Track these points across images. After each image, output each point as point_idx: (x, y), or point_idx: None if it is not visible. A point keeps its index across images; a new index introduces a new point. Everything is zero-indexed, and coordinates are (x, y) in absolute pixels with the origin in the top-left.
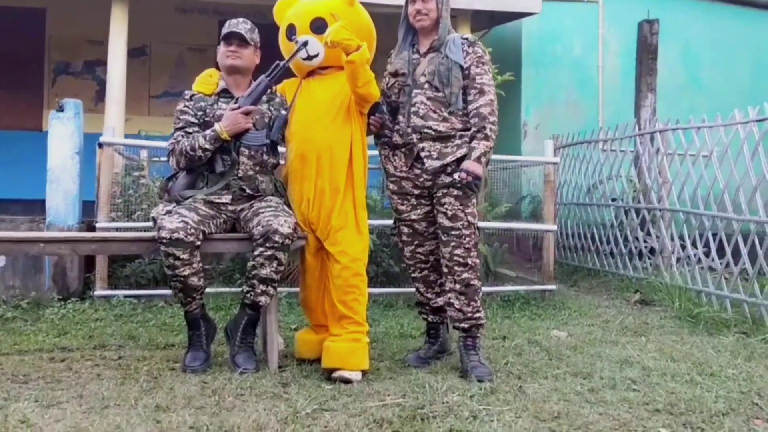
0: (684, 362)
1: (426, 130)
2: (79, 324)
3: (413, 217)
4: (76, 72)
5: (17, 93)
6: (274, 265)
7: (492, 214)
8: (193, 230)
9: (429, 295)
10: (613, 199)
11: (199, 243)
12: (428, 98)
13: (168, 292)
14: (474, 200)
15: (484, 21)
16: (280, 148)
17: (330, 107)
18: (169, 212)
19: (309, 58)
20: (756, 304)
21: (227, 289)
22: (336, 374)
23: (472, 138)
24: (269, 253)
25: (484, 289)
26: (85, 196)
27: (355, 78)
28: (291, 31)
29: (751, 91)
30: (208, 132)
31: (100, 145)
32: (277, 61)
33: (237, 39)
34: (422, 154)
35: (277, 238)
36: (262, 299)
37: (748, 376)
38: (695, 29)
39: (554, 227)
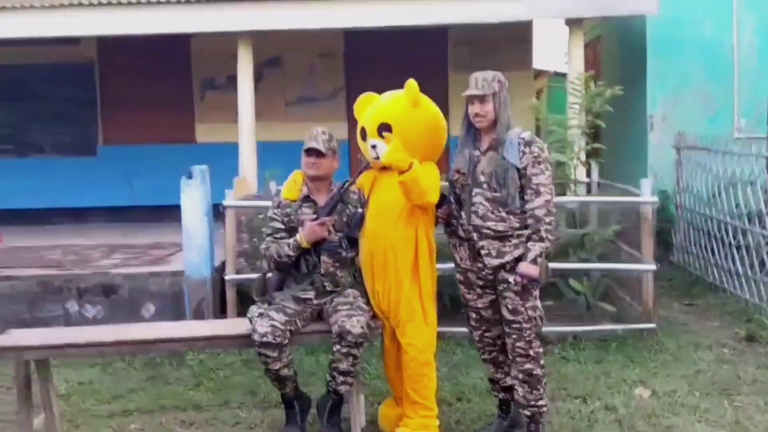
0: None
1: (485, 230)
2: (212, 371)
3: (479, 305)
4: (221, 86)
5: (170, 109)
6: (350, 360)
7: (599, 236)
8: (280, 332)
9: (498, 375)
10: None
11: (286, 342)
12: (486, 199)
13: None
14: (536, 293)
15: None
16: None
17: (395, 206)
18: (261, 314)
19: (378, 158)
20: None
21: None
22: None
23: (528, 238)
24: (345, 350)
25: (580, 328)
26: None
27: (409, 194)
28: (363, 133)
29: None
30: (291, 240)
31: (224, 208)
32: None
33: (315, 153)
34: (482, 252)
35: (350, 338)
36: (342, 388)
37: None
38: None
39: (653, 267)
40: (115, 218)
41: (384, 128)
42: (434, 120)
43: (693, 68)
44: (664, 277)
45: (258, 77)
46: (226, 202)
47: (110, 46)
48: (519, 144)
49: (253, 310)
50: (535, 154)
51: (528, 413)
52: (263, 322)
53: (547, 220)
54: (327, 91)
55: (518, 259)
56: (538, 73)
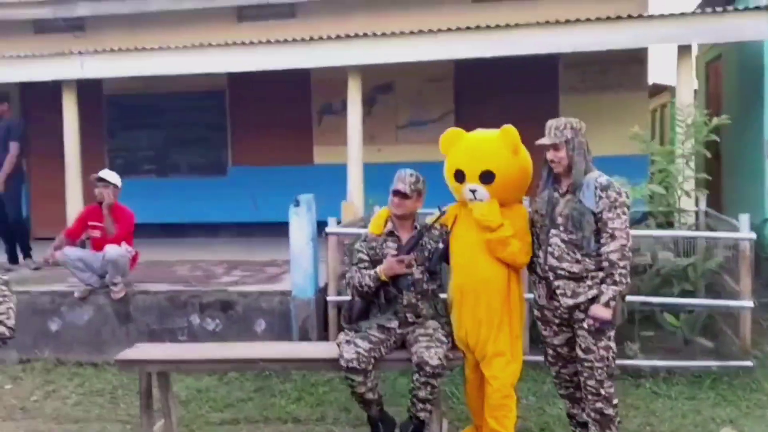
0: None
1: (560, 271)
2: (312, 387)
3: (555, 342)
4: (337, 110)
5: (291, 133)
6: (429, 388)
7: (702, 268)
8: (365, 359)
9: (574, 411)
10: None
11: (370, 368)
12: (563, 240)
13: None
14: (610, 334)
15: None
16: None
17: (484, 242)
18: (348, 341)
19: (474, 200)
20: None
21: None
22: None
23: (602, 281)
24: (423, 380)
25: (673, 363)
26: None
27: (494, 252)
28: (460, 176)
29: None
30: (372, 272)
31: (327, 234)
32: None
33: (400, 194)
34: (558, 292)
35: (427, 369)
36: (422, 414)
37: None
38: None
39: (750, 303)
40: (241, 233)
41: (487, 176)
42: (528, 165)
43: None
44: None
45: (371, 102)
46: (328, 229)
47: (239, 76)
48: (596, 188)
49: (341, 337)
50: (612, 199)
51: None
52: (349, 348)
53: (622, 264)
54: (436, 115)
55: (592, 300)
56: (662, 89)
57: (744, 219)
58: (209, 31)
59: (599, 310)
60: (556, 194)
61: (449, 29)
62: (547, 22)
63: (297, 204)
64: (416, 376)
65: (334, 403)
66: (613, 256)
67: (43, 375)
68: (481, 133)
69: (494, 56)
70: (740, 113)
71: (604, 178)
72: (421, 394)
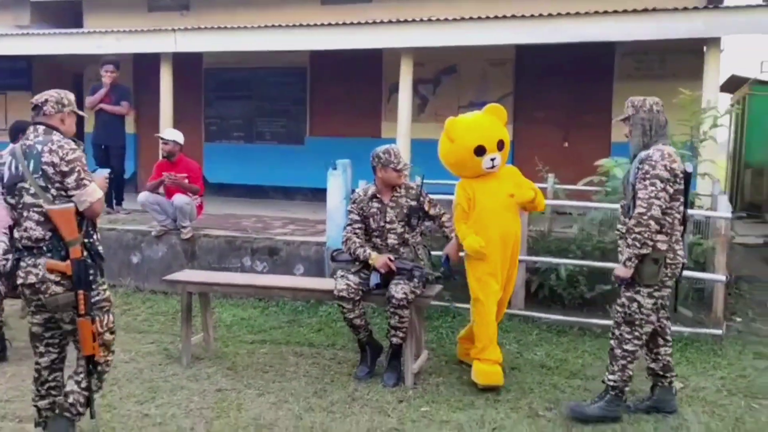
0: None
1: (617, 232)
2: (333, 322)
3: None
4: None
5: (363, 109)
6: (397, 318)
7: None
8: (353, 290)
9: (647, 356)
10: None
11: (358, 298)
12: (621, 206)
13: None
14: (639, 289)
15: None
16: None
17: (510, 204)
18: (341, 276)
19: (492, 167)
20: None
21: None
22: None
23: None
24: (392, 310)
25: None
26: None
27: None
28: (481, 150)
29: None
30: (367, 253)
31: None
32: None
33: (398, 171)
34: (618, 250)
35: (393, 301)
36: (394, 339)
37: None
38: None
39: (723, 278)
40: (315, 197)
41: (501, 144)
42: None
43: None
44: None
45: (436, 83)
46: (356, 189)
47: (320, 55)
48: (638, 161)
49: (338, 274)
50: (644, 171)
51: (603, 381)
52: (342, 281)
53: (637, 230)
54: (496, 96)
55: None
56: (741, 81)
57: (722, 199)
58: (295, 13)
59: (617, 269)
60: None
61: (504, 16)
62: (606, 12)
63: (334, 167)
64: (388, 306)
65: (347, 335)
66: (631, 222)
67: (124, 298)
68: (475, 115)
69: (554, 42)
70: None
71: (646, 153)
72: (392, 322)
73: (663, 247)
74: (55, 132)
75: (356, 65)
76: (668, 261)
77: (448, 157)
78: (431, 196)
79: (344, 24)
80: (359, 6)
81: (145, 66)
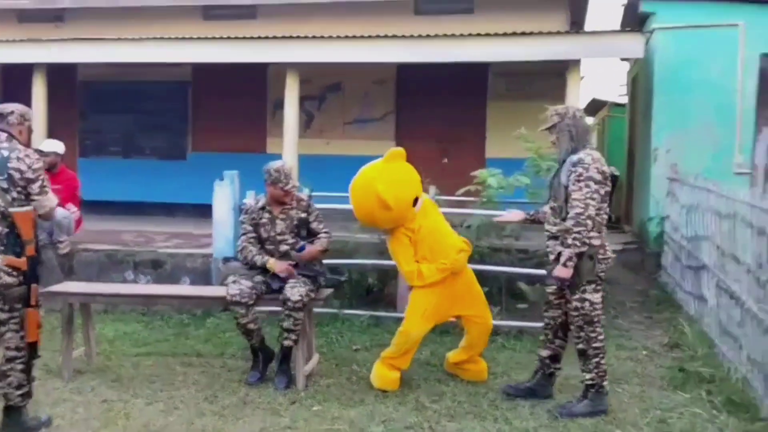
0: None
1: (546, 232)
2: (222, 333)
3: (549, 291)
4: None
5: (247, 124)
6: (291, 320)
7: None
8: (246, 294)
9: (540, 345)
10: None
11: (252, 302)
12: (551, 207)
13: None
14: (584, 287)
15: None
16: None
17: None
18: (234, 281)
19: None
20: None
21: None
22: None
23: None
24: (287, 312)
25: (522, 324)
26: None
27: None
28: (416, 200)
29: None
30: (264, 260)
31: (241, 206)
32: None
33: (283, 190)
34: (548, 250)
35: (289, 303)
36: (286, 342)
37: None
38: None
39: None
40: (198, 213)
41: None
42: None
43: (699, 107)
44: (647, 294)
45: (321, 99)
46: (245, 200)
47: (203, 68)
48: (569, 165)
49: (230, 279)
50: (578, 173)
51: (582, 382)
52: (234, 286)
53: (576, 230)
54: (379, 114)
55: (558, 258)
56: (601, 104)
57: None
58: (177, 27)
59: (557, 270)
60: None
61: (387, 36)
62: (479, 35)
63: (221, 179)
64: (282, 309)
65: (236, 344)
66: (569, 223)
67: None
68: (388, 167)
69: (431, 62)
70: (643, 125)
71: (577, 156)
72: (286, 324)
73: (596, 242)
74: (15, 140)
75: (240, 80)
76: (600, 257)
77: (386, 224)
78: (319, 213)
79: (228, 38)
80: (243, 22)
81: (15, 78)
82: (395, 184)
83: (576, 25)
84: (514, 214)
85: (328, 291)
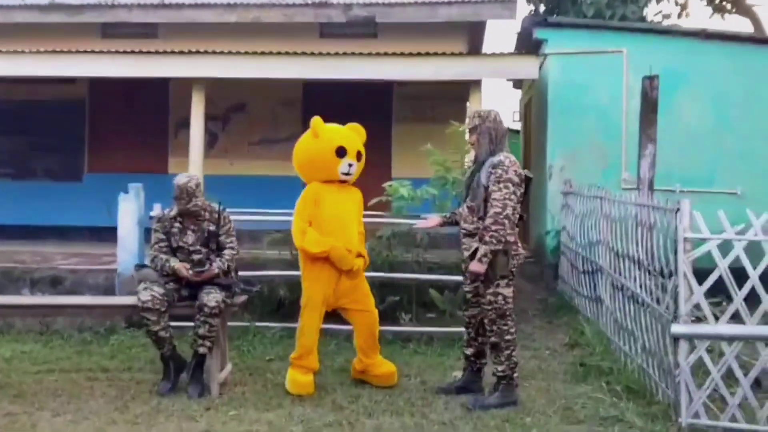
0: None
1: (463, 230)
2: (128, 349)
3: (467, 289)
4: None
5: (148, 144)
6: (207, 327)
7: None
8: (158, 301)
9: (464, 344)
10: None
11: (164, 309)
12: (468, 206)
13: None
14: (498, 282)
15: None
16: None
17: (355, 217)
18: (145, 288)
19: (347, 174)
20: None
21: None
22: None
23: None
24: (202, 319)
25: (432, 329)
26: None
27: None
28: (342, 151)
29: None
30: (173, 266)
31: (151, 218)
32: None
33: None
34: (463, 247)
35: (206, 309)
36: (201, 349)
37: None
38: (722, 72)
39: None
40: (95, 236)
41: (359, 154)
42: None
43: (590, 127)
44: (547, 302)
45: (226, 120)
46: (152, 213)
47: (100, 85)
48: (489, 166)
49: (140, 286)
50: (497, 175)
51: (494, 374)
52: (146, 292)
53: (493, 228)
54: (285, 134)
55: (474, 255)
56: None
57: None
58: (74, 45)
59: (473, 265)
60: (473, 171)
61: (294, 53)
62: (385, 53)
63: (126, 192)
64: (197, 315)
65: (143, 359)
66: (488, 221)
67: None
68: (338, 126)
69: (337, 79)
70: (537, 144)
71: (497, 159)
72: (201, 331)
73: (511, 239)
74: None
75: (141, 98)
76: (513, 253)
77: (308, 152)
78: (231, 227)
79: (128, 52)
80: (144, 41)
81: None
82: (334, 127)
83: (475, 50)
84: (432, 220)
85: (243, 298)
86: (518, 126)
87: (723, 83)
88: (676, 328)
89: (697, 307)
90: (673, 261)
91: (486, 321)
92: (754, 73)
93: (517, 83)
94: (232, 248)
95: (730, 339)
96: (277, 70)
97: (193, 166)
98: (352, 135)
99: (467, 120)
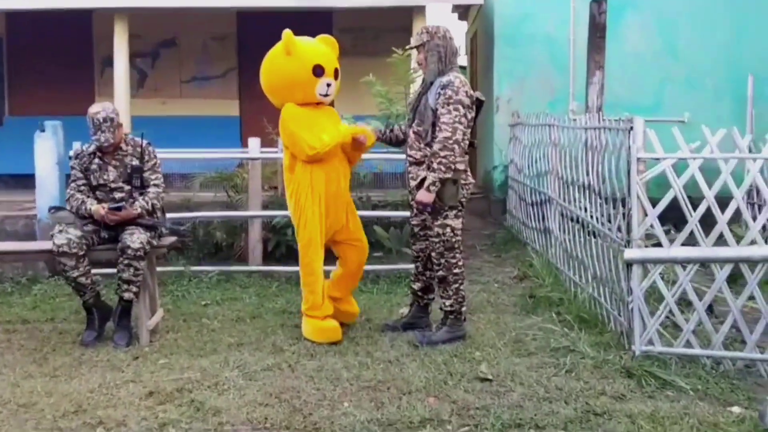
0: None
1: (410, 158)
2: (51, 299)
3: (414, 221)
4: None
5: (72, 84)
6: (132, 270)
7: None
8: (75, 244)
9: (412, 278)
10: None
11: (82, 253)
12: (414, 132)
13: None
14: (446, 214)
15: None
16: None
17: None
18: (60, 231)
19: (326, 95)
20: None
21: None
22: None
23: (428, 168)
24: (126, 262)
25: (377, 267)
26: None
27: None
28: (320, 70)
29: (730, 56)
30: (89, 207)
31: (70, 157)
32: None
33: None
34: (409, 176)
35: (129, 252)
36: (126, 295)
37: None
38: None
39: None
40: (19, 184)
41: (337, 72)
42: None
43: (537, 57)
44: (495, 237)
45: (155, 56)
46: (71, 153)
47: (19, 23)
48: (438, 87)
49: (56, 228)
50: (447, 96)
51: (441, 309)
52: (61, 236)
53: (442, 154)
54: (220, 71)
55: (422, 183)
56: None
57: (254, 141)
58: None
59: (420, 194)
60: (420, 93)
61: None
62: None
63: (42, 129)
64: (120, 259)
65: (67, 309)
66: (436, 146)
67: None
68: (310, 39)
69: (269, 6)
70: (484, 78)
71: (447, 78)
72: (125, 275)
73: (461, 167)
74: None
75: (63, 35)
76: (462, 182)
77: (280, 73)
78: (157, 163)
79: None
80: None
81: None
82: (308, 43)
83: None
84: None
85: (172, 239)
86: (464, 61)
87: (670, 8)
88: (630, 253)
89: (649, 236)
90: (626, 184)
91: (433, 254)
92: None
93: (463, 14)
94: (157, 185)
95: (686, 262)
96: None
97: (119, 106)
98: (327, 51)
99: (414, 37)
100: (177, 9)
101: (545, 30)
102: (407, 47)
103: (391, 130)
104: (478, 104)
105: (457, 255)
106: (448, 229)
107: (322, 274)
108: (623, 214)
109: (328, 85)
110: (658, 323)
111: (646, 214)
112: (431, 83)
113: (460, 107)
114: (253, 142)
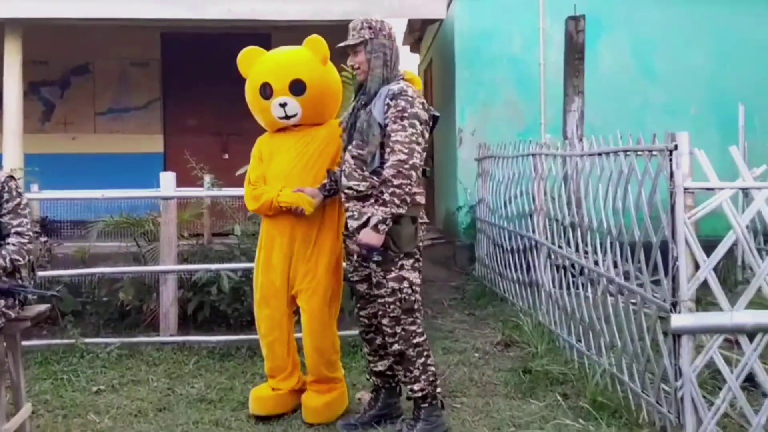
0: None
1: (348, 190)
2: None
3: (354, 278)
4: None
5: None
6: None
7: None
8: None
9: (369, 358)
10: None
11: None
12: (352, 156)
13: None
14: (404, 263)
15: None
16: None
17: (308, 166)
18: None
19: (287, 117)
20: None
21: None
22: None
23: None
24: None
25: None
26: None
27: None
28: (267, 90)
29: (710, 80)
30: None
31: None
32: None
33: None
34: (347, 214)
35: None
36: None
37: None
38: (647, 15)
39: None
40: None
41: (297, 85)
42: (337, 83)
43: (502, 82)
44: (464, 289)
45: (65, 85)
46: None
47: None
48: (387, 97)
49: None
50: (399, 108)
51: (409, 397)
52: None
53: (396, 182)
54: (141, 102)
55: (367, 223)
56: None
57: (166, 177)
58: None
59: (365, 235)
60: (359, 106)
61: None
62: None
63: None
64: None
65: None
66: (387, 173)
67: None
68: (284, 48)
69: (197, 19)
70: (444, 109)
71: (398, 86)
72: None
73: (421, 200)
74: None
75: None
76: (420, 221)
77: (246, 98)
78: (21, 203)
79: None
80: None
81: None
82: (264, 56)
83: None
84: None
85: (41, 307)
86: None
87: (646, 30)
88: (679, 320)
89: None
90: (666, 224)
91: (385, 321)
92: (679, 18)
93: (415, 46)
94: (20, 234)
95: (758, 331)
96: (122, 6)
97: (9, 142)
98: (283, 61)
99: (350, 33)
100: (80, 21)
101: (511, 51)
102: (341, 44)
103: (330, 179)
104: (433, 122)
105: (418, 320)
106: (405, 284)
107: (274, 337)
108: (666, 267)
109: (282, 104)
110: (717, 417)
111: (697, 266)
112: (375, 93)
113: (416, 123)
114: (167, 178)
